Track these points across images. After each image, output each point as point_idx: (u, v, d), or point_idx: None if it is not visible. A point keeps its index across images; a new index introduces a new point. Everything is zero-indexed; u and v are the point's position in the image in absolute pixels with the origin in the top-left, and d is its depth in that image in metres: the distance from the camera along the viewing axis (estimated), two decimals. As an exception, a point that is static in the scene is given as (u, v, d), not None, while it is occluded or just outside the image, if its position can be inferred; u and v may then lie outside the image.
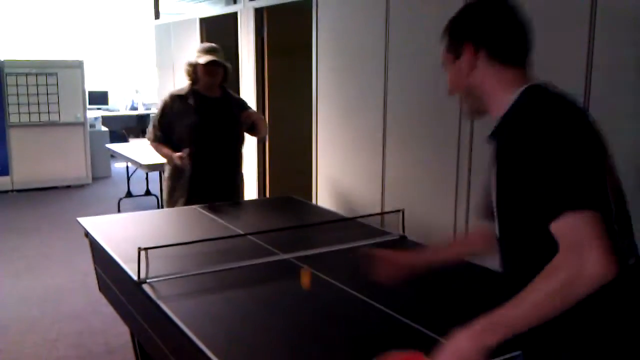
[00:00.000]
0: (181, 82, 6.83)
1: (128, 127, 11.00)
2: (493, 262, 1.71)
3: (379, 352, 1.55)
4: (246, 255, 2.55)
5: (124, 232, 3.01)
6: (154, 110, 10.56)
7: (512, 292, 1.31)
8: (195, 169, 3.60)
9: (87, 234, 2.98)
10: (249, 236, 2.81)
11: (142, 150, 6.39)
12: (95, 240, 2.82)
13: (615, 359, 1.34)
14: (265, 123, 3.94)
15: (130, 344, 3.16)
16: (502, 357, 1.53)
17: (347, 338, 1.83)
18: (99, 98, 11.11)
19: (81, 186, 8.64)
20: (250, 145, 5.71)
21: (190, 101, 3.62)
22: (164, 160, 3.79)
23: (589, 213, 1.19)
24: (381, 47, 3.83)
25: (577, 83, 2.62)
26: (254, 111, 3.77)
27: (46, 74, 8.31)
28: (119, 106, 11.53)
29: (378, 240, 2.79)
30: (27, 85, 8.20)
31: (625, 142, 2.45)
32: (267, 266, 2.45)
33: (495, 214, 1.48)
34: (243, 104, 3.90)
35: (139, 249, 2.24)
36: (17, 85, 8.14)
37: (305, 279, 2.13)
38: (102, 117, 9.90)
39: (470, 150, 3.26)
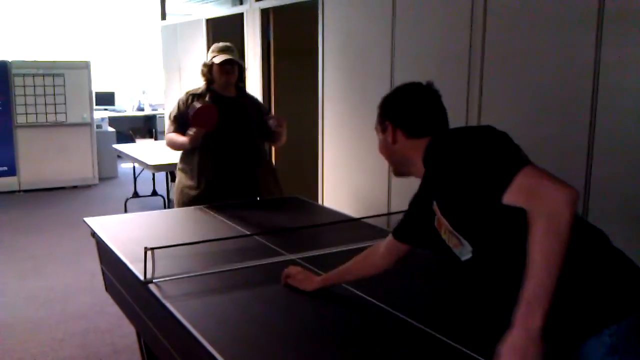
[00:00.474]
0: (187, 82, 6.84)
1: (135, 127, 11.03)
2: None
3: (384, 353, 1.55)
4: (252, 255, 2.55)
5: (131, 232, 3.01)
6: (161, 111, 10.62)
7: (507, 296, 1.42)
8: (213, 167, 3.59)
9: (93, 234, 2.99)
10: (255, 236, 2.81)
11: (148, 151, 6.40)
12: (102, 240, 2.83)
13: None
14: (285, 134, 3.84)
15: (136, 344, 3.16)
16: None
17: (354, 339, 1.83)
18: (106, 99, 11.15)
19: (88, 186, 8.66)
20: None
21: (207, 100, 3.60)
22: (172, 160, 3.77)
23: (523, 169, 1.37)
24: (387, 47, 3.82)
25: (584, 81, 2.60)
26: (283, 120, 3.69)
27: (53, 75, 8.33)
28: (125, 107, 11.57)
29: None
30: (34, 86, 8.23)
31: (632, 142, 2.44)
32: (273, 267, 2.45)
33: (460, 238, 1.62)
34: (259, 104, 3.90)
35: (146, 249, 2.24)
36: (24, 85, 8.17)
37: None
38: (109, 117, 9.93)
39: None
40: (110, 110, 10.93)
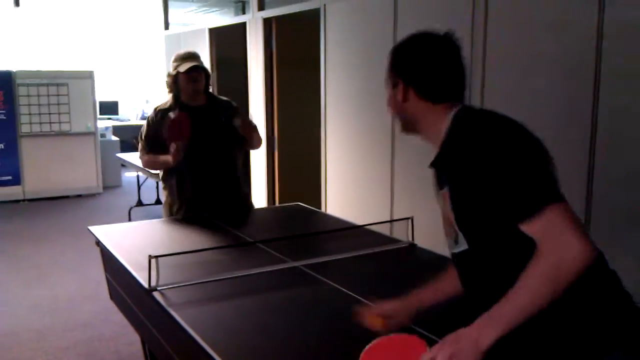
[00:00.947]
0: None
1: (138, 136, 11.05)
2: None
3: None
4: (256, 263, 2.56)
5: (135, 241, 3.03)
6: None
7: (488, 303, 1.36)
8: (188, 179, 3.49)
9: (98, 243, 3.01)
10: (259, 244, 2.83)
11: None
12: (106, 249, 2.85)
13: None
14: (258, 137, 3.66)
15: (141, 352, 3.17)
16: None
17: (359, 347, 1.83)
18: (110, 108, 11.20)
19: (92, 195, 8.69)
20: (260, 154, 5.74)
21: (173, 111, 3.45)
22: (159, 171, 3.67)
23: (555, 205, 1.28)
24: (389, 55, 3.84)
25: (585, 88, 2.62)
26: (249, 123, 3.53)
27: (57, 85, 8.38)
28: (129, 116, 11.61)
29: (388, 247, 2.80)
30: (38, 96, 8.27)
31: (634, 142, 2.45)
32: (277, 274, 2.46)
33: (458, 232, 1.53)
34: (231, 107, 3.67)
35: (150, 257, 2.26)
36: (28, 95, 8.21)
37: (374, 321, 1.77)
38: (113, 126, 9.97)
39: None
40: (114, 120, 10.97)
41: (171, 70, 3.51)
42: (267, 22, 5.51)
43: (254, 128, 3.61)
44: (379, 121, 4.03)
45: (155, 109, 3.61)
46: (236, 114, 3.63)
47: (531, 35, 2.90)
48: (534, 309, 1.27)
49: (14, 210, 7.82)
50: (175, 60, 3.52)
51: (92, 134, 8.68)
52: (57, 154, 8.44)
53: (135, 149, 4.08)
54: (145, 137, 3.58)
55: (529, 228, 1.30)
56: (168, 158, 3.40)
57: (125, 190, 9.10)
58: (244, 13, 6.25)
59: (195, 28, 7.04)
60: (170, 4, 8.02)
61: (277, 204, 5.71)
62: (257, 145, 3.73)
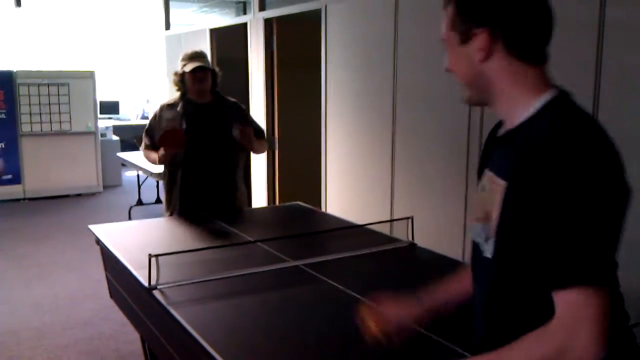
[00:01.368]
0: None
1: (139, 136, 11.03)
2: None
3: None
4: (256, 262, 2.57)
5: (135, 240, 3.04)
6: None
7: (489, 330, 1.29)
8: (185, 176, 3.54)
9: (98, 241, 3.02)
10: (259, 243, 2.83)
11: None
12: (107, 247, 2.85)
13: None
14: (261, 143, 3.70)
15: (140, 350, 3.18)
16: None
17: (358, 346, 1.84)
18: (110, 108, 11.21)
19: (92, 194, 8.70)
20: (260, 155, 5.74)
21: (179, 108, 3.54)
22: (159, 169, 3.72)
23: (595, 292, 1.08)
24: (390, 56, 3.85)
25: (585, 86, 2.63)
26: (247, 132, 3.51)
27: (58, 84, 8.39)
28: (130, 116, 11.62)
29: (388, 247, 2.81)
30: (39, 96, 8.28)
31: (635, 146, 2.46)
32: (276, 273, 2.47)
33: (491, 232, 1.26)
34: (239, 109, 3.72)
35: (150, 256, 2.26)
36: (29, 95, 8.22)
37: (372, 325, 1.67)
38: (113, 126, 9.98)
39: (479, 156, 3.26)
40: (115, 119, 10.98)
41: (179, 68, 3.57)
42: (268, 22, 5.52)
43: (260, 133, 3.68)
44: (379, 121, 4.04)
45: (162, 104, 3.68)
46: (242, 116, 3.69)
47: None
48: None
49: (14, 209, 7.83)
50: (183, 59, 3.58)
51: (92, 133, 8.69)
52: (57, 154, 8.45)
53: (135, 149, 4.11)
54: (146, 130, 3.68)
55: (556, 296, 1.11)
56: (156, 158, 3.51)
57: (125, 189, 9.11)
58: (245, 13, 6.26)
59: (196, 28, 7.05)
60: (171, 4, 8.03)
61: (277, 203, 5.72)
62: (259, 151, 3.80)
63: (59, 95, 8.40)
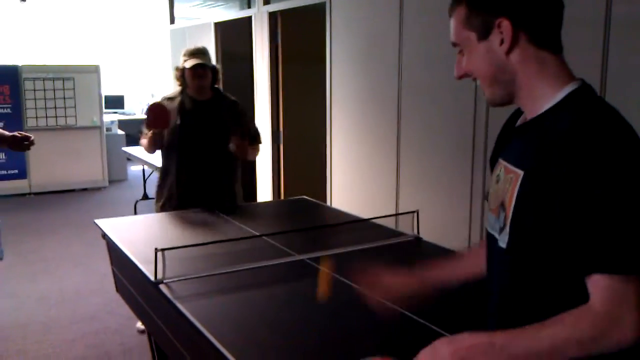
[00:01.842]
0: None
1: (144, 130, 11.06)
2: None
3: (396, 354, 1.56)
4: (261, 256, 2.57)
5: (141, 234, 3.04)
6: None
7: (503, 319, 1.26)
8: (180, 171, 3.56)
9: (104, 236, 3.02)
10: (264, 237, 2.84)
11: (158, 153, 6.43)
12: (113, 242, 2.86)
13: None
14: (254, 152, 3.72)
15: (146, 344, 3.19)
16: None
17: (363, 340, 1.84)
18: (115, 102, 11.21)
19: (98, 189, 8.72)
20: (265, 148, 5.75)
21: (176, 103, 3.57)
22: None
23: (636, 280, 1.07)
24: (395, 49, 3.84)
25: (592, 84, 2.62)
26: (244, 145, 3.52)
27: (63, 79, 8.41)
28: (135, 110, 11.63)
29: (393, 241, 2.81)
30: (44, 90, 8.30)
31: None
32: (282, 267, 2.47)
33: (506, 222, 1.24)
34: (237, 108, 3.71)
35: (156, 250, 2.27)
36: (34, 89, 8.24)
37: (323, 285, 1.86)
38: (119, 120, 9.99)
39: (485, 150, 3.26)
40: (120, 114, 10.99)
41: (180, 64, 3.60)
42: (272, 16, 5.51)
43: (256, 137, 3.71)
44: (384, 115, 4.03)
45: (163, 97, 3.71)
46: (240, 116, 3.68)
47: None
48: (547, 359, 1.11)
49: (20, 204, 7.85)
50: (185, 54, 3.60)
51: (97, 127, 8.71)
52: (63, 148, 8.47)
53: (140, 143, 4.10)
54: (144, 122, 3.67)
55: (595, 281, 1.09)
56: (146, 142, 3.58)
57: (131, 184, 9.13)
58: (249, 7, 6.24)
59: (200, 22, 7.04)
60: (175, -2, 8.03)
61: (282, 197, 5.72)
62: (251, 157, 3.83)
63: (64, 89, 8.42)
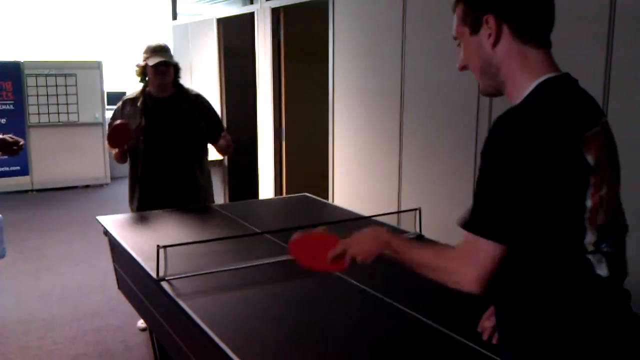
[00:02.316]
0: (199, 82, 6.85)
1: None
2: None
3: (397, 353, 1.56)
4: (263, 253, 2.56)
5: (143, 231, 3.04)
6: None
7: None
8: (145, 171, 3.57)
9: (106, 233, 3.02)
10: (266, 234, 2.83)
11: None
12: (115, 239, 2.85)
13: None
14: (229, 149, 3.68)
15: (148, 341, 3.19)
16: None
17: (365, 337, 1.83)
18: (117, 98, 11.05)
19: (100, 186, 8.72)
20: (267, 145, 5.74)
21: (139, 104, 3.57)
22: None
23: (489, 242, 1.25)
24: (398, 46, 3.83)
25: (596, 80, 2.60)
26: (229, 145, 3.58)
27: (65, 75, 8.40)
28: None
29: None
30: (46, 86, 8.29)
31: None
32: (284, 264, 2.46)
33: None
34: (200, 102, 3.71)
35: (158, 247, 2.26)
36: (36, 86, 8.24)
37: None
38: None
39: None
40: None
41: (141, 61, 3.58)
42: (275, 12, 5.49)
43: (220, 127, 3.71)
44: (387, 112, 4.01)
45: (123, 99, 3.71)
46: (204, 109, 3.69)
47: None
48: (412, 268, 1.43)
49: (22, 201, 7.85)
50: (146, 52, 3.58)
51: (100, 124, 8.70)
52: (65, 145, 8.47)
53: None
54: (109, 125, 3.66)
55: (465, 233, 1.31)
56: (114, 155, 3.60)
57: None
58: (251, 3, 6.22)
59: (203, 18, 7.02)
60: (178, -6, 8.01)
61: (284, 194, 5.71)
62: (228, 154, 3.90)
63: (66, 85, 8.42)
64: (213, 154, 3.85)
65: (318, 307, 2.08)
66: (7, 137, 3.32)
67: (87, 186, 8.65)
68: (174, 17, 8.02)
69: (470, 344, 1.73)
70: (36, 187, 8.34)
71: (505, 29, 1.32)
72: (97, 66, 8.65)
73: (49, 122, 8.34)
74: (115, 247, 2.95)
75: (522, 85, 1.31)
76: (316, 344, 1.81)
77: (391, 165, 4.01)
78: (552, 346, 1.28)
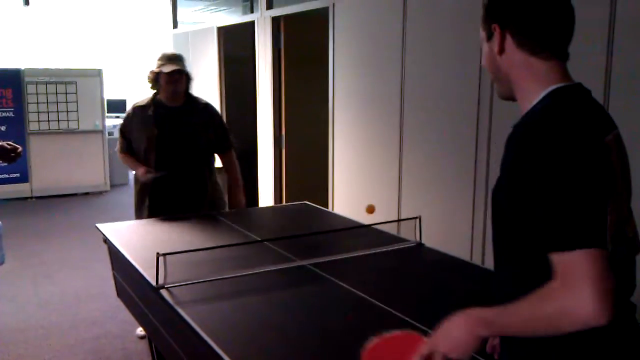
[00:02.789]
0: (199, 89, 6.86)
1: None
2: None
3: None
4: (263, 261, 2.56)
5: (142, 238, 3.04)
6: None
7: (499, 296, 1.33)
8: (157, 181, 3.58)
9: (105, 240, 3.01)
10: (266, 242, 2.83)
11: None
12: (114, 246, 2.85)
13: None
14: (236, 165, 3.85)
15: (147, 350, 3.18)
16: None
17: (364, 344, 1.83)
18: (118, 106, 11.20)
19: (100, 193, 8.72)
20: (267, 152, 5.74)
21: (150, 112, 3.59)
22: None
23: (588, 252, 1.13)
24: (398, 53, 3.84)
25: (595, 86, 2.61)
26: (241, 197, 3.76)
27: (65, 83, 8.41)
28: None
29: (395, 247, 2.79)
30: (46, 94, 8.31)
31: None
32: (283, 272, 2.46)
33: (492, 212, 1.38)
34: (210, 112, 3.77)
35: (158, 255, 2.26)
36: (37, 93, 8.25)
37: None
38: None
39: (488, 156, 3.25)
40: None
41: (155, 68, 3.60)
42: (275, 20, 5.51)
43: (228, 142, 3.80)
44: (387, 120, 4.02)
45: (134, 105, 3.72)
46: (213, 120, 3.74)
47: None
48: (526, 335, 1.23)
49: (22, 208, 7.85)
50: (161, 59, 3.61)
51: (100, 132, 8.71)
52: (65, 152, 8.47)
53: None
54: (121, 132, 3.73)
55: (554, 258, 1.16)
56: (137, 168, 3.60)
57: (133, 188, 9.11)
58: (252, 12, 6.24)
59: (204, 27, 7.05)
60: (178, 2, 8.03)
61: (284, 202, 5.71)
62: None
63: (66, 93, 8.43)
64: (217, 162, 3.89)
65: (317, 315, 2.07)
66: (5, 144, 3.32)
67: (86, 194, 8.65)
68: (175, 25, 8.04)
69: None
70: (36, 194, 8.33)
71: (509, 38, 1.34)
72: (97, 74, 8.66)
73: (49, 129, 8.35)
74: (115, 255, 2.95)
75: (530, 94, 1.33)
76: (315, 351, 1.81)
77: (391, 173, 4.01)
78: (556, 355, 1.27)
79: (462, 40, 3.33)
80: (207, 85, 6.55)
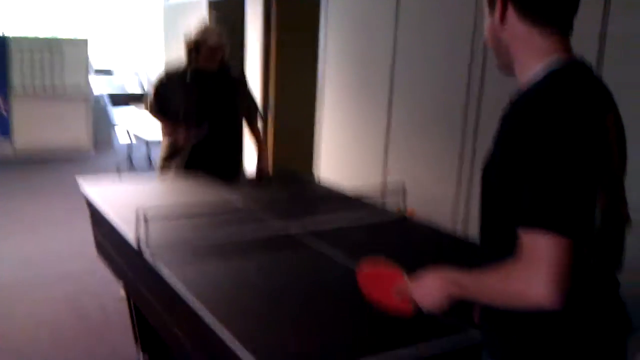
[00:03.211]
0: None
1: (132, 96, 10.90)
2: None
3: (375, 325, 1.56)
4: (246, 226, 2.54)
5: (123, 197, 3.00)
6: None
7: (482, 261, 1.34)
8: (196, 144, 3.61)
9: (87, 200, 2.98)
10: (251, 209, 2.81)
11: (143, 119, 6.41)
12: (95, 203, 2.82)
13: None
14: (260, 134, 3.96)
15: (125, 306, 3.16)
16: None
17: (342, 310, 1.82)
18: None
19: (83, 156, 8.62)
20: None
21: (188, 77, 3.62)
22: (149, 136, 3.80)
23: (557, 237, 1.12)
24: (391, 26, 3.82)
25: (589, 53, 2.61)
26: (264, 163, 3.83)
27: (52, 51, 8.31)
28: (123, 84, 11.54)
29: (380, 216, 2.79)
30: (32, 62, 8.21)
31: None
32: (266, 238, 2.44)
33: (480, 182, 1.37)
34: (242, 79, 3.91)
35: (137, 211, 2.22)
36: (22, 61, 8.14)
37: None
38: (108, 94, 9.89)
39: (476, 123, 3.24)
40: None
41: (198, 38, 3.61)
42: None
43: (257, 112, 3.90)
44: (376, 89, 4.01)
45: (168, 72, 3.73)
46: (244, 88, 3.86)
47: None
48: (491, 304, 1.28)
49: (3, 168, 7.77)
50: (206, 32, 3.64)
51: (85, 97, 8.60)
52: (49, 115, 8.39)
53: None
54: (155, 96, 3.71)
55: (521, 234, 1.17)
56: (178, 135, 3.62)
57: (116, 152, 9.03)
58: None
59: (194, 0, 6.98)
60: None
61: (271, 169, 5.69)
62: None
63: (52, 61, 8.32)
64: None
65: (299, 280, 2.07)
66: None
67: (70, 157, 8.53)
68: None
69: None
70: (19, 155, 8.24)
71: (510, 9, 1.31)
72: (84, 44, 8.57)
73: (35, 92, 8.26)
74: (95, 212, 2.91)
75: (528, 67, 1.30)
76: (294, 309, 1.80)
77: (378, 141, 4.01)
78: (538, 331, 1.27)
79: (455, 18, 3.33)
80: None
